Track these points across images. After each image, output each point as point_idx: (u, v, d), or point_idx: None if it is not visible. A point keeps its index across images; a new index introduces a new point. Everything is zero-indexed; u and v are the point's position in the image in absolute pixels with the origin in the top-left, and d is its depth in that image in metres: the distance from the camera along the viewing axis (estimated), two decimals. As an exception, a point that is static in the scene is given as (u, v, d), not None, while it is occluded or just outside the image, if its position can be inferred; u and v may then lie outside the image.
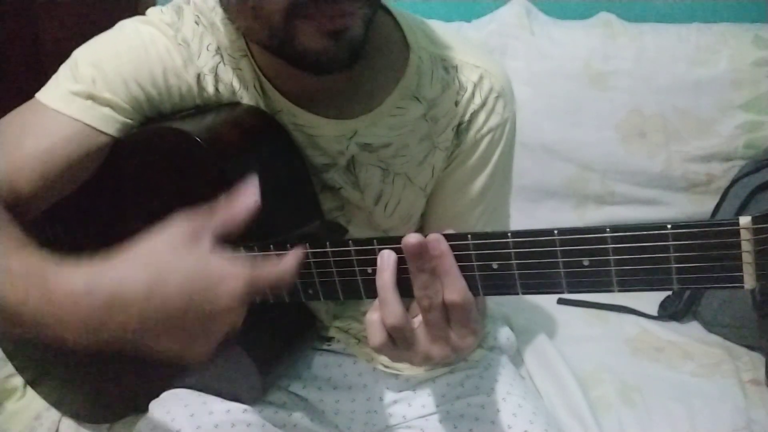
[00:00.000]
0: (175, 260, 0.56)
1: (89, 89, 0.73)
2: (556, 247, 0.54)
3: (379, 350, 0.61)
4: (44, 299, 0.55)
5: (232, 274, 0.57)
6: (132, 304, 0.55)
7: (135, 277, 0.55)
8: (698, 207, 1.52)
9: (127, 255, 0.57)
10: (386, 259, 0.59)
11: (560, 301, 1.41)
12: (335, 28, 0.64)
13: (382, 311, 0.59)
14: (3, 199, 0.70)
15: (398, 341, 0.60)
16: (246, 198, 0.61)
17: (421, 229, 0.91)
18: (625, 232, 0.51)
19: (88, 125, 0.74)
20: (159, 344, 0.58)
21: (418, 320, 0.60)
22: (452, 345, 0.60)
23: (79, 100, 0.73)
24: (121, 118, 0.75)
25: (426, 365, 0.62)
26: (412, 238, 0.56)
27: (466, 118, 0.82)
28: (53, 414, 1.09)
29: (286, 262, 0.62)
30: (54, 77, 0.77)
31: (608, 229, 0.52)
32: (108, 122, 0.74)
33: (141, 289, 0.55)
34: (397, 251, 0.60)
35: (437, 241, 0.56)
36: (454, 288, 0.57)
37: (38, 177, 0.72)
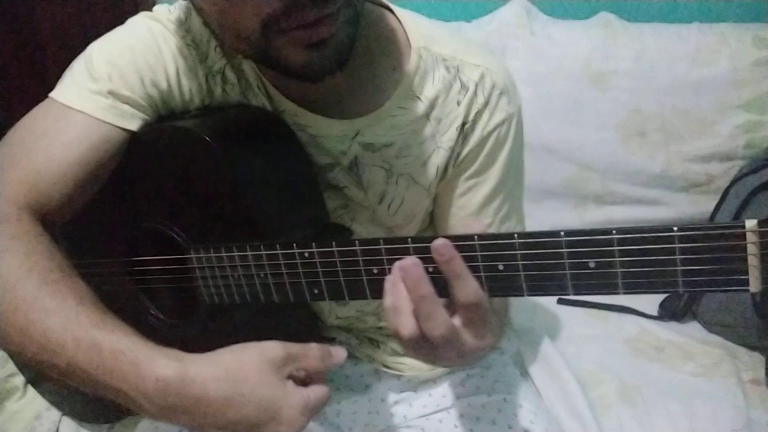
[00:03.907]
0: (258, 384, 0.61)
1: (108, 87, 0.73)
2: (562, 248, 0.54)
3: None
4: (131, 381, 0.60)
5: (299, 409, 0.61)
6: (209, 407, 0.59)
7: (219, 385, 0.60)
8: (698, 207, 1.52)
9: (220, 358, 0.62)
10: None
11: (560, 301, 1.41)
12: (316, 40, 0.64)
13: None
14: (37, 215, 0.71)
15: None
16: (336, 358, 0.68)
17: (427, 227, 0.91)
18: (632, 234, 0.51)
19: (114, 125, 0.74)
20: None
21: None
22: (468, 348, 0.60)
23: (101, 99, 0.73)
24: (141, 115, 0.75)
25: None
26: (410, 261, 0.57)
27: (471, 117, 0.81)
28: (53, 413, 1.09)
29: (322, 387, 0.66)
30: (69, 75, 0.76)
31: (614, 231, 0.52)
32: (131, 120, 0.75)
33: (221, 397, 0.59)
34: (401, 251, 0.60)
35: (444, 246, 0.56)
36: (467, 290, 0.57)
37: (72, 188, 0.73)
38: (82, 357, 0.60)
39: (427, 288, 0.56)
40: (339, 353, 0.68)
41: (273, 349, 0.63)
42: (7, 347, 0.65)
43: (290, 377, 0.63)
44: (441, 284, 0.58)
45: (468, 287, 0.56)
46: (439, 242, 0.56)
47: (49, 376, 0.64)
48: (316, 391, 0.64)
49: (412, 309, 0.58)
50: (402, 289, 0.58)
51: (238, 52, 0.75)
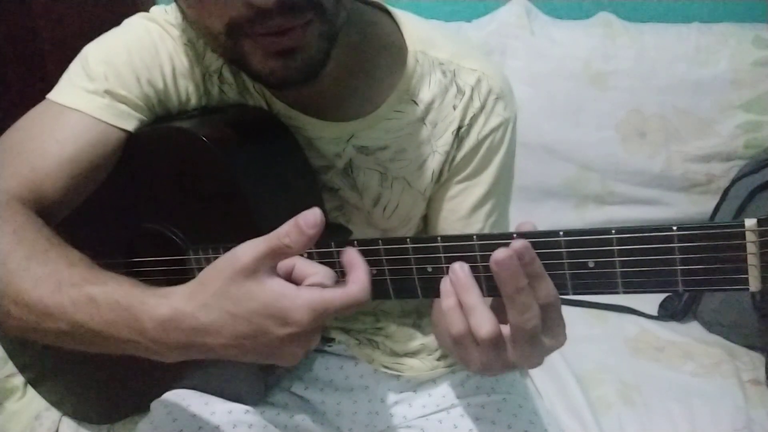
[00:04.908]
0: (239, 298, 0.55)
1: (104, 86, 0.73)
2: (561, 248, 0.54)
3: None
4: (133, 327, 0.57)
5: (295, 308, 0.55)
6: (208, 334, 0.56)
7: (206, 310, 0.56)
8: (698, 207, 1.53)
9: (199, 282, 0.57)
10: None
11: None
12: (280, 48, 0.63)
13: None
14: (30, 207, 0.70)
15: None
16: (307, 219, 0.57)
17: (422, 230, 0.91)
18: (631, 233, 0.51)
19: (110, 124, 0.74)
20: (246, 359, 0.59)
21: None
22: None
23: (97, 99, 0.73)
24: (137, 114, 0.75)
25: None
26: (505, 254, 0.53)
27: (466, 121, 0.81)
28: (53, 414, 1.09)
29: (359, 283, 0.56)
30: (66, 76, 0.77)
31: (614, 231, 0.52)
32: (127, 119, 0.75)
33: (213, 321, 0.56)
34: (400, 252, 0.60)
35: (526, 249, 0.53)
36: (546, 290, 0.55)
37: (67, 184, 0.72)
38: (82, 315, 0.59)
39: (524, 278, 0.54)
40: (309, 212, 0.57)
41: (240, 255, 0.56)
42: (10, 324, 0.64)
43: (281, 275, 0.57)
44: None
45: (548, 287, 0.54)
46: (519, 244, 0.53)
47: (63, 347, 0.62)
48: (320, 291, 0.56)
49: (486, 305, 0.56)
50: (470, 286, 0.56)
51: (214, 52, 0.75)
